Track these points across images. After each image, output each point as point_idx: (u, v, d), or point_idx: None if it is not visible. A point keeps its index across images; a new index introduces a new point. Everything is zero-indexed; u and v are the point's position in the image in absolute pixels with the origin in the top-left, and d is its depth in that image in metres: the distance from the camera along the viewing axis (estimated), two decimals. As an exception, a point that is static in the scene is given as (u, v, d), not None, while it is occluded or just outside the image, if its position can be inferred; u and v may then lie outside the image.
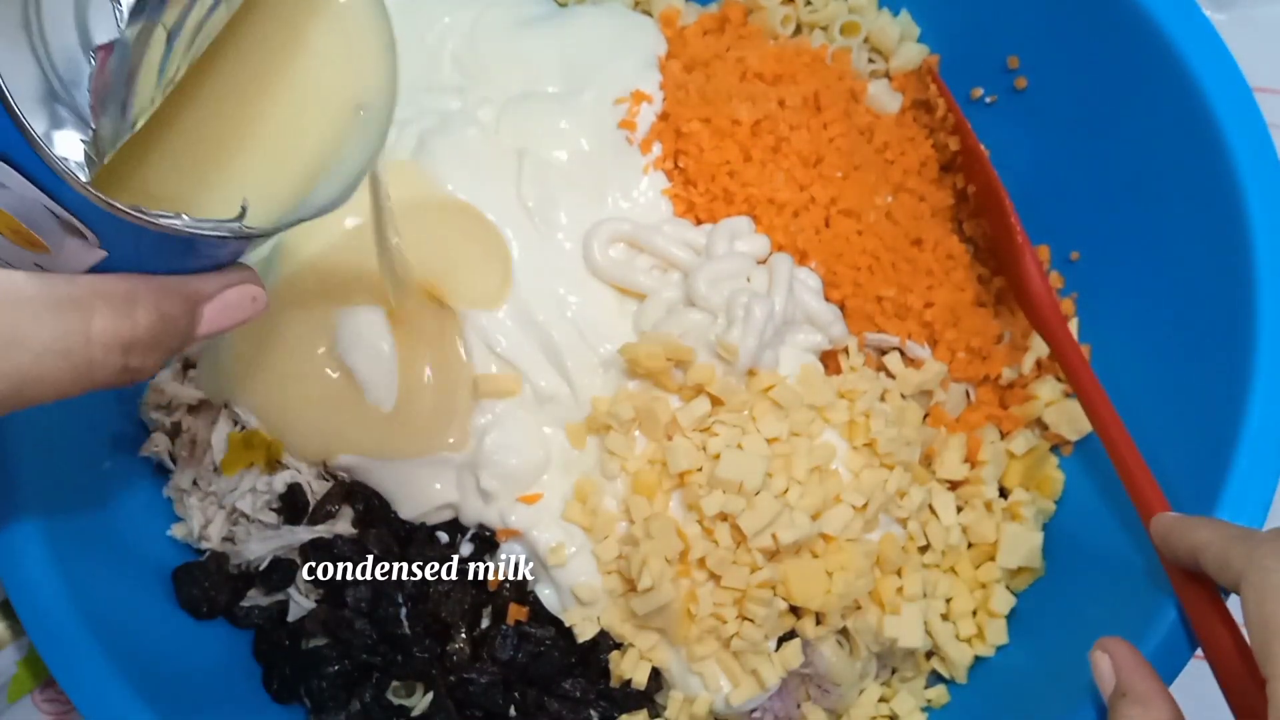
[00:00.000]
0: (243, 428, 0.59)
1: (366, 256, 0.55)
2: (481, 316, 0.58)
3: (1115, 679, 0.44)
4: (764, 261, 0.60)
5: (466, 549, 0.58)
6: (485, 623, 0.58)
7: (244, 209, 0.34)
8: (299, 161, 0.38)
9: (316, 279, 0.59)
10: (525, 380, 0.58)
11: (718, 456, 0.55)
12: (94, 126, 0.31)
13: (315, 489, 0.59)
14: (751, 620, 0.54)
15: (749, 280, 0.58)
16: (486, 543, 0.58)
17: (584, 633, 0.56)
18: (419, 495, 0.58)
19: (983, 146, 0.63)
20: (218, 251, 0.36)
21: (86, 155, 0.31)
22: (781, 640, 0.56)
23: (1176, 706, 0.42)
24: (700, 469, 0.55)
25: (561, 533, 0.57)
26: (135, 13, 0.32)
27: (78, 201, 0.31)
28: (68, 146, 0.31)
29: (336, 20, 0.40)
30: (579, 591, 0.56)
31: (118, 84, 0.32)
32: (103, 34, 0.31)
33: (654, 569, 0.54)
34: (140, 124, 0.33)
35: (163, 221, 0.32)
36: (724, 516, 0.54)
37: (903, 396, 0.59)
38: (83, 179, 0.31)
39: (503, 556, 0.58)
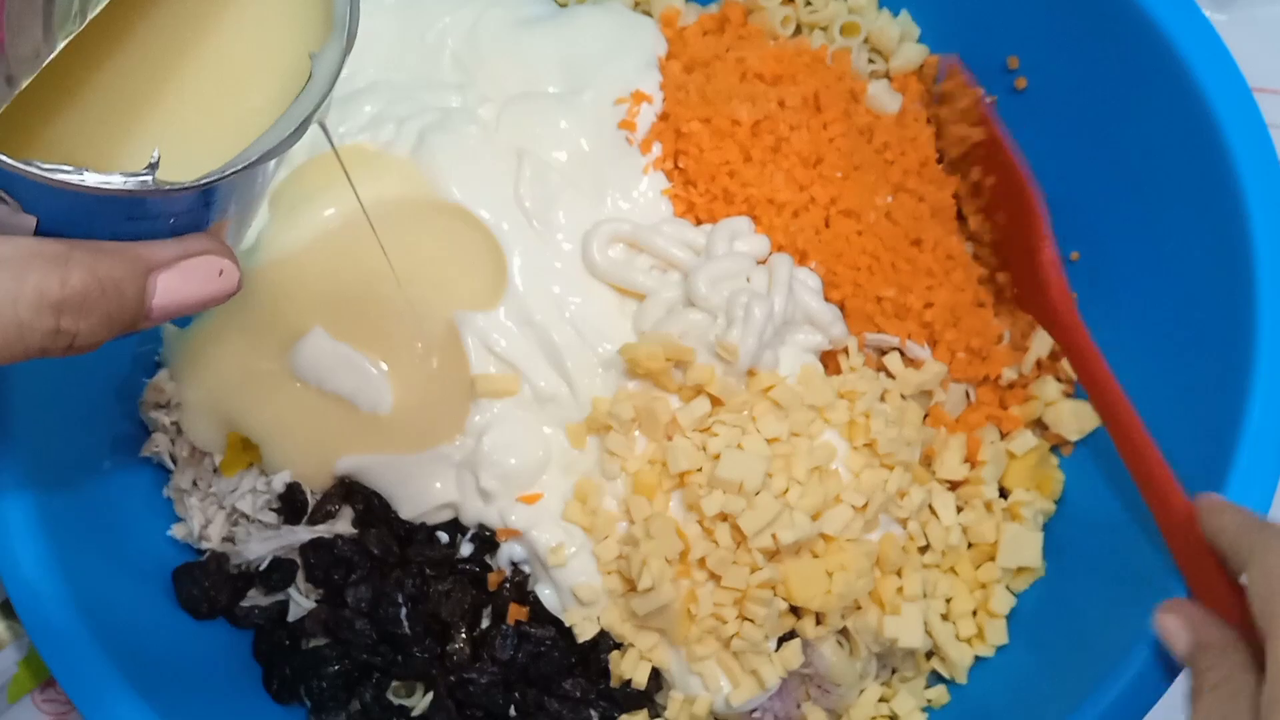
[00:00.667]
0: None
1: (330, 271, 0.55)
2: (479, 317, 0.58)
3: (1191, 635, 0.45)
4: (764, 261, 0.60)
5: (467, 549, 0.58)
6: (485, 623, 0.58)
7: (155, 162, 0.31)
8: (233, 109, 0.35)
9: (284, 303, 0.59)
10: (524, 380, 0.58)
11: (718, 457, 0.55)
12: None
13: (314, 488, 0.59)
14: (751, 620, 0.54)
15: (749, 280, 0.58)
16: (487, 543, 0.58)
17: (584, 633, 0.56)
18: (419, 494, 0.58)
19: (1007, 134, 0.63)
20: (157, 212, 0.33)
21: None
22: (781, 640, 0.56)
23: (1251, 645, 0.43)
24: (700, 469, 0.55)
25: (561, 533, 0.57)
26: None
27: None
28: None
29: None
30: (579, 591, 0.56)
31: None
32: None
33: (654, 569, 0.54)
34: (23, 76, 0.31)
35: (58, 176, 0.30)
36: (724, 516, 0.54)
37: (903, 397, 0.59)
38: None
39: (502, 556, 0.58)
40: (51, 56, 0.31)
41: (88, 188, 0.30)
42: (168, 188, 0.31)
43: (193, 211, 0.34)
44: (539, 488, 0.58)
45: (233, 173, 0.33)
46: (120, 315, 0.33)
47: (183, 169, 0.32)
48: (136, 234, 0.33)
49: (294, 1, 0.36)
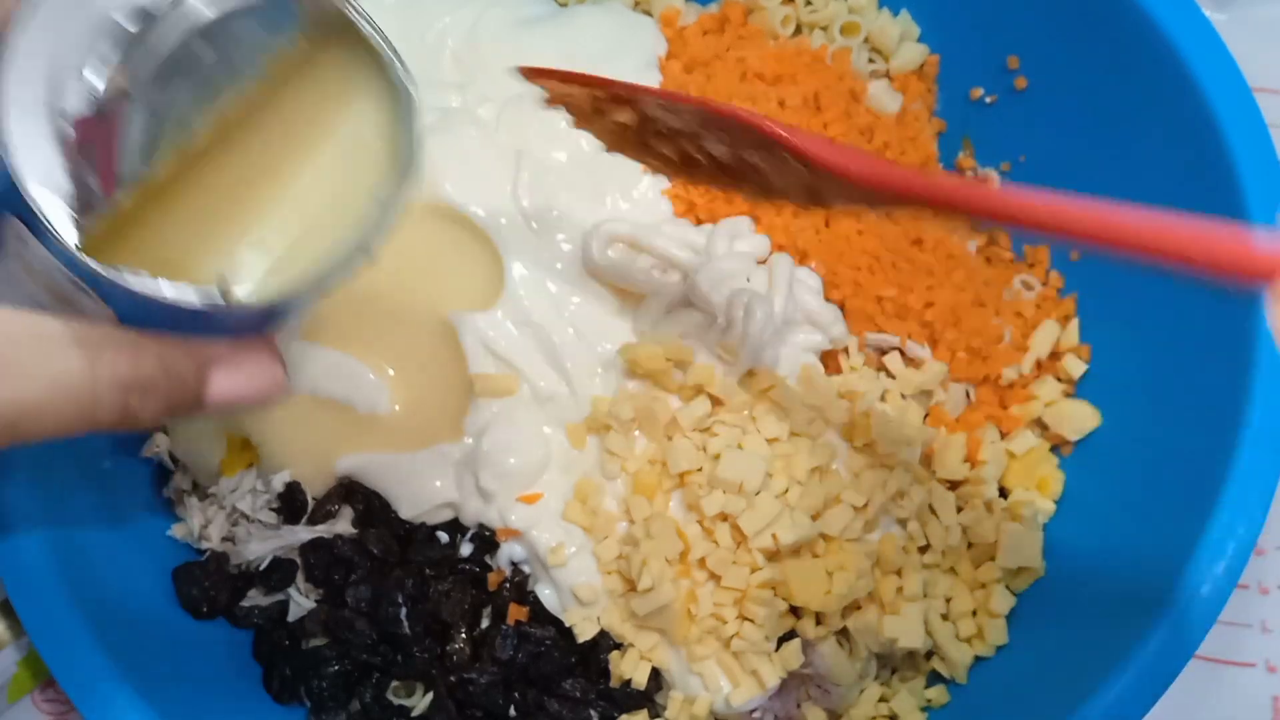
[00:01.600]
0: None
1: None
2: (477, 317, 0.58)
3: None
4: (764, 261, 0.60)
5: (466, 549, 0.58)
6: (485, 623, 0.58)
7: (222, 283, 0.35)
8: (306, 240, 0.39)
9: None
10: (523, 380, 0.58)
11: (718, 457, 0.55)
12: (76, 188, 0.33)
13: (314, 488, 0.59)
14: (752, 620, 0.54)
15: (749, 280, 0.58)
16: (487, 543, 0.58)
17: (584, 633, 0.56)
18: (419, 494, 0.58)
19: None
20: (221, 322, 0.37)
21: (79, 215, 0.33)
22: (781, 640, 0.56)
23: None
24: (700, 469, 0.55)
25: (561, 533, 0.57)
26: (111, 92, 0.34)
27: (67, 259, 0.33)
28: (57, 207, 0.33)
29: (371, 103, 0.40)
30: (579, 591, 0.56)
31: (95, 150, 0.34)
32: (75, 105, 0.33)
33: (654, 569, 0.54)
34: (125, 193, 0.34)
35: (139, 287, 0.33)
36: (724, 516, 0.54)
37: (903, 396, 0.59)
38: (69, 238, 0.32)
39: (502, 556, 0.58)
40: (115, 204, 0.35)
41: (162, 298, 0.34)
42: (232, 306, 0.35)
43: (254, 324, 0.38)
44: (539, 487, 0.58)
45: (291, 297, 0.37)
46: (179, 401, 0.37)
47: (251, 286, 0.37)
48: (202, 333, 0.37)
49: (374, 143, 0.40)
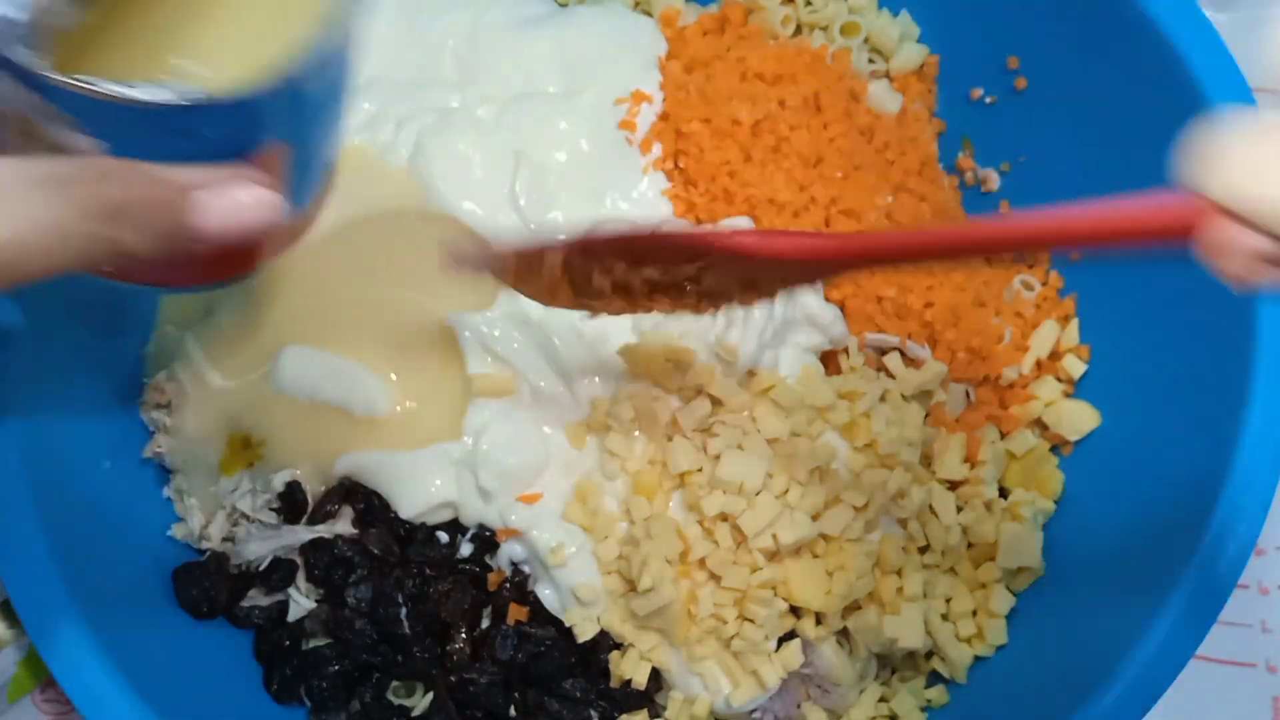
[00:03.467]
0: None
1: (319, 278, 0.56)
2: (475, 317, 0.58)
3: None
4: None
5: (467, 549, 0.58)
6: (485, 623, 0.58)
7: (176, 77, 0.34)
8: (277, 38, 0.37)
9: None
10: (523, 380, 0.58)
11: (718, 457, 0.55)
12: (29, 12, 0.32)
13: (313, 485, 0.59)
14: (752, 620, 0.54)
15: None
16: (487, 543, 0.58)
17: (584, 633, 0.56)
18: (418, 493, 0.58)
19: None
20: (204, 131, 0.35)
21: (30, 36, 0.32)
22: (781, 640, 0.56)
23: None
24: (700, 469, 0.55)
25: (562, 533, 0.57)
26: None
27: (38, 82, 0.31)
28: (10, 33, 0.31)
29: None
30: (579, 591, 0.56)
31: None
32: None
33: (654, 569, 0.54)
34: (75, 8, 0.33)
35: (110, 89, 0.32)
36: (724, 516, 0.54)
37: (903, 397, 0.59)
38: (30, 57, 0.31)
39: (502, 556, 0.58)
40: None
41: (137, 100, 0.32)
42: (209, 98, 0.33)
43: (234, 135, 0.36)
44: (539, 487, 0.58)
45: (268, 92, 0.34)
46: (166, 229, 0.35)
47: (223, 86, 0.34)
48: (186, 155, 0.35)
49: None
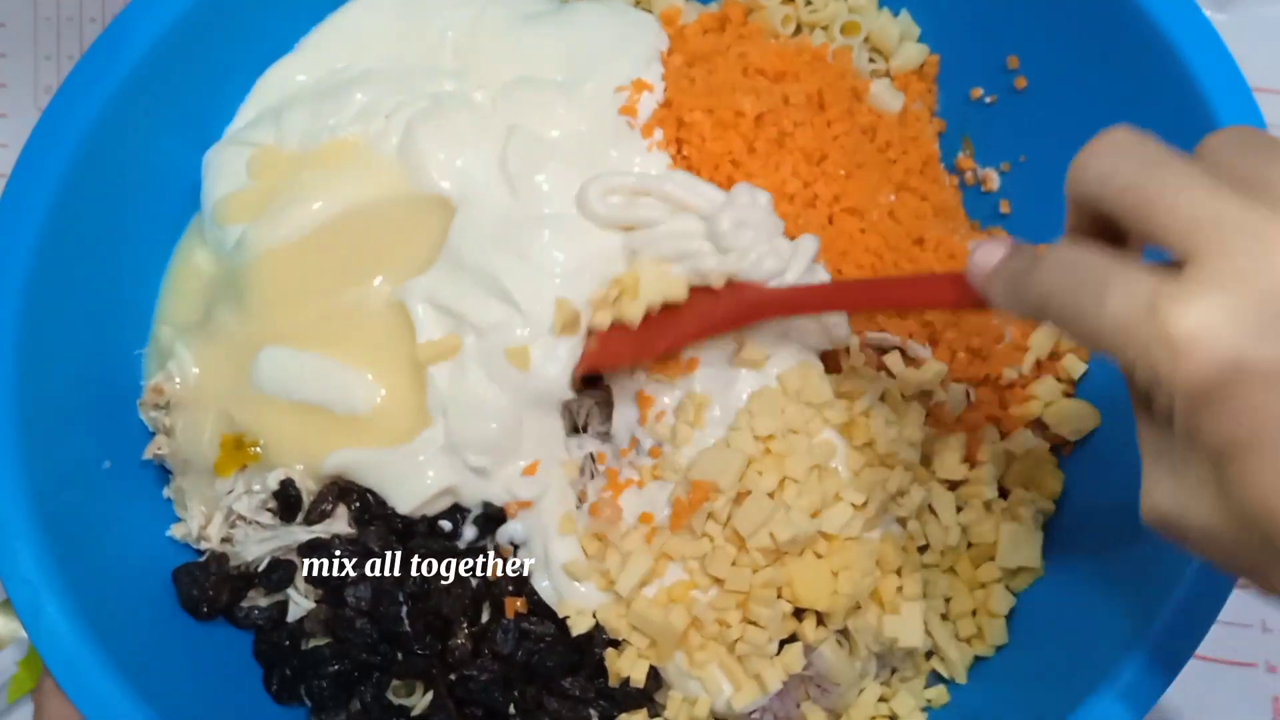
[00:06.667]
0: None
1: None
2: (419, 280, 0.57)
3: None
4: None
5: (470, 532, 0.58)
6: (485, 617, 0.58)
7: None
8: None
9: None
10: (466, 326, 0.57)
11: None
12: None
13: (308, 485, 0.59)
14: (756, 623, 0.54)
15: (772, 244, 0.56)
16: (492, 520, 0.58)
17: (577, 626, 0.56)
18: (413, 486, 0.57)
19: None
20: None
21: None
22: (782, 643, 0.56)
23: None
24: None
25: (571, 501, 0.57)
26: None
27: None
28: None
29: None
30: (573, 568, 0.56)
31: None
32: None
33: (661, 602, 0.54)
34: None
35: None
36: (711, 516, 0.54)
37: (903, 396, 0.59)
38: None
39: (502, 536, 0.58)
40: None
41: None
42: None
43: None
44: (531, 454, 0.57)
45: None
46: None
47: None
48: None
49: None
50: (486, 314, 0.56)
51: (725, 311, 0.56)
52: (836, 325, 0.59)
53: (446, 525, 0.58)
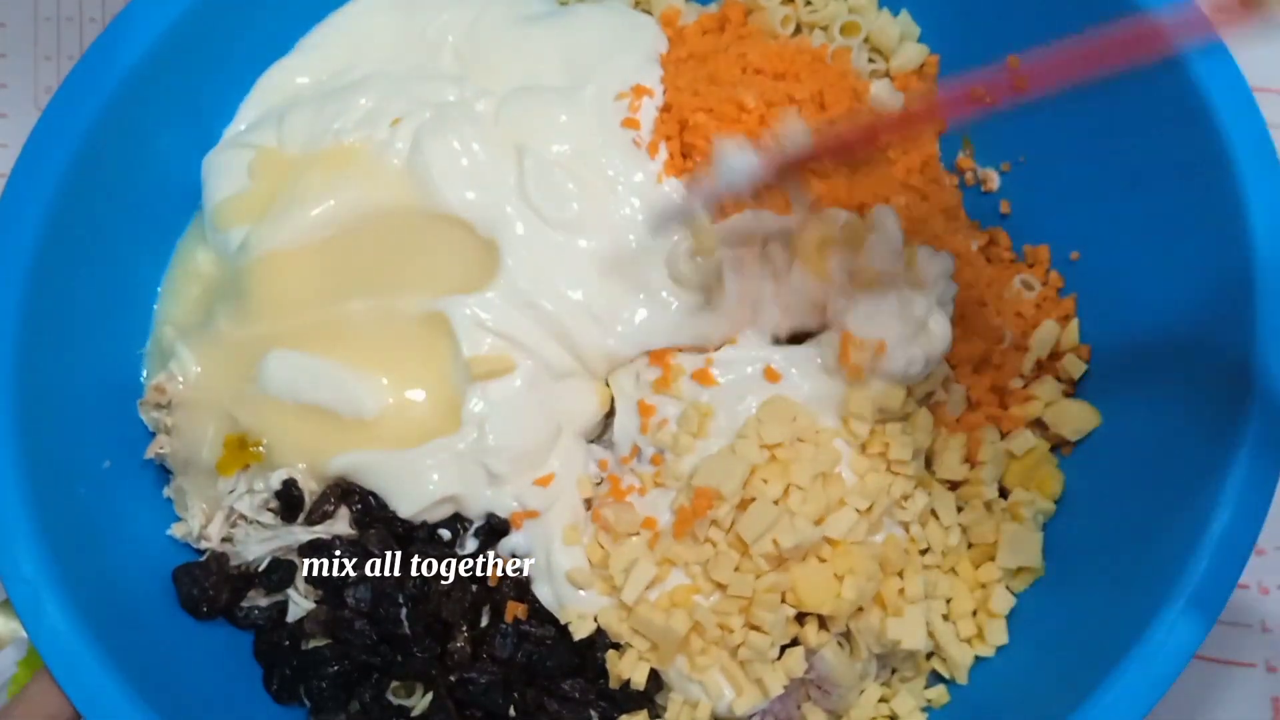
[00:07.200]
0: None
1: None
2: (469, 299, 0.58)
3: None
4: None
5: (471, 544, 0.58)
6: (484, 621, 0.58)
7: None
8: None
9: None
10: (526, 356, 0.58)
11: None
12: None
13: (310, 485, 0.59)
14: (759, 628, 0.54)
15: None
16: (494, 532, 0.58)
17: (579, 631, 0.56)
18: (417, 490, 0.57)
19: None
20: None
21: None
22: (784, 648, 0.56)
23: None
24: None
25: (581, 512, 0.58)
26: None
27: None
28: None
29: None
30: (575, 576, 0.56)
31: None
32: None
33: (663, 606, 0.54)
34: None
35: None
36: (714, 522, 0.54)
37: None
38: None
39: (504, 548, 0.58)
40: None
41: None
42: None
43: None
44: (549, 467, 0.58)
45: None
46: None
47: None
48: None
49: None
50: (543, 350, 0.58)
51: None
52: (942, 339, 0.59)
53: (445, 534, 0.58)
